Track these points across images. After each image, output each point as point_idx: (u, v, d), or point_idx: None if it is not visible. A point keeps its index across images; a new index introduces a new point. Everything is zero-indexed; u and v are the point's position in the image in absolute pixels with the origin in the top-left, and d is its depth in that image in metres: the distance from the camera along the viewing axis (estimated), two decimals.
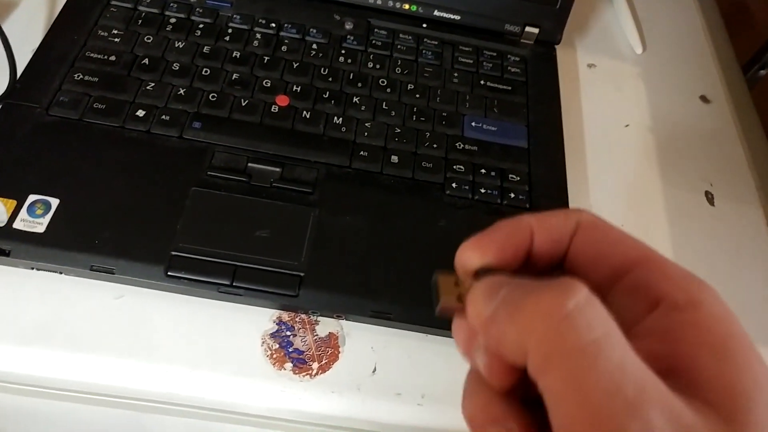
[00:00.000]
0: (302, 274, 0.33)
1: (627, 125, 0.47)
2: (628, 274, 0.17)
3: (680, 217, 0.43)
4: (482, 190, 0.38)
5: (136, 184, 0.34)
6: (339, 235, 0.35)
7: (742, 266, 0.42)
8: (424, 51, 0.44)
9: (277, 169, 0.37)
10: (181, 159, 0.36)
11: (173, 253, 0.32)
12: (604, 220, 0.19)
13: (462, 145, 0.40)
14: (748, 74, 0.77)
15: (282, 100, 0.40)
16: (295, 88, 0.40)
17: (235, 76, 0.40)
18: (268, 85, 0.40)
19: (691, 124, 0.49)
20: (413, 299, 0.33)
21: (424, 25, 0.46)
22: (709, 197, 0.45)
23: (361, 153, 0.38)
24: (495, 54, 0.45)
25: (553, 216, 0.19)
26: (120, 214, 0.33)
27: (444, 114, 0.41)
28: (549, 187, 0.39)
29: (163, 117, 0.37)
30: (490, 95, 0.43)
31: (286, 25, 0.43)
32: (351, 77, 0.42)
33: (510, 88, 0.43)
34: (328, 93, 0.40)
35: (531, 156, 0.40)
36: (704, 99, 0.51)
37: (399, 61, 0.43)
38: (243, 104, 0.39)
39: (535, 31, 0.46)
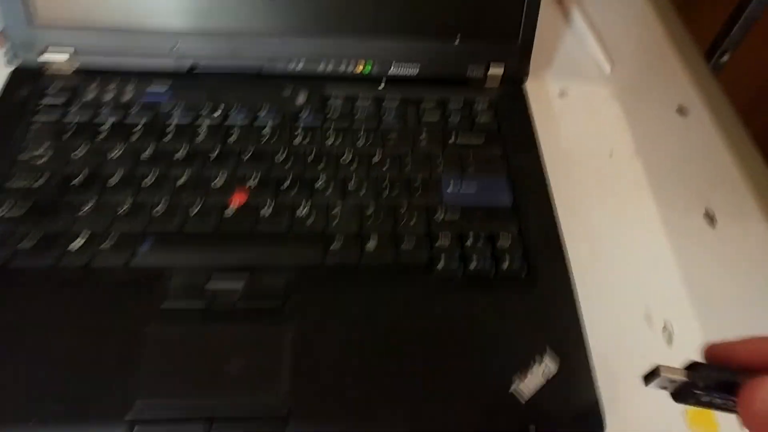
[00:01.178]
0: (286, 411, 0.28)
1: (611, 154, 0.45)
2: None
3: (684, 244, 0.40)
4: (473, 264, 0.34)
5: (79, 337, 0.30)
6: (321, 352, 0.30)
7: (754, 287, 0.39)
8: (385, 114, 0.41)
9: (240, 284, 0.32)
10: (130, 294, 0.32)
11: (131, 418, 0.28)
12: None
13: (443, 215, 0.36)
14: (711, 62, 0.76)
15: (238, 199, 0.36)
16: (250, 182, 0.37)
17: (182, 180, 0.36)
18: (221, 184, 0.36)
19: (674, 140, 0.47)
20: (418, 414, 0.29)
21: (382, 85, 0.42)
22: (710, 217, 0.42)
23: (334, 245, 0.34)
24: (462, 104, 0.42)
25: None
26: (61, 379, 0.28)
27: (418, 182, 0.37)
28: (543, 244, 0.36)
29: (105, 245, 0.33)
30: (463, 151, 0.39)
31: (232, 110, 0.40)
32: (311, 158, 0.38)
33: (483, 139, 0.40)
34: (288, 181, 0.37)
35: (519, 213, 0.37)
36: (681, 111, 0.48)
37: (361, 130, 0.40)
38: (195, 212, 0.35)
39: (500, 71, 0.43)
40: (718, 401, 0.21)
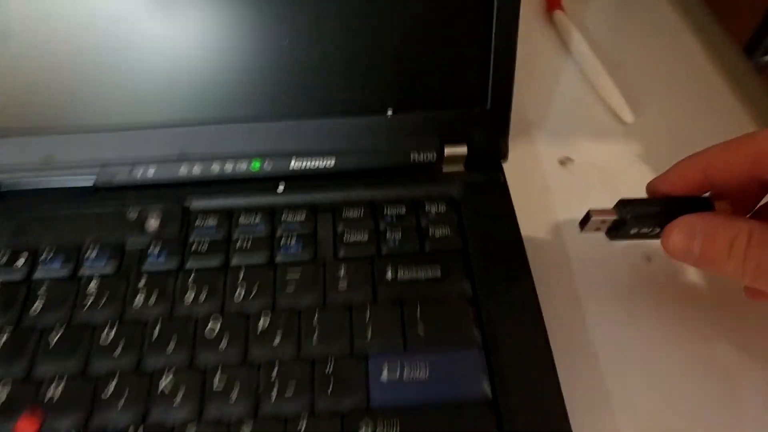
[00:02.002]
0: None
1: (649, 258, 0.29)
2: None
3: None
4: None
5: None
6: None
7: None
8: (284, 239, 0.26)
9: None
10: None
11: None
12: None
13: (371, 430, 0.22)
14: (753, 61, 0.60)
15: (26, 427, 0.22)
16: (53, 390, 0.22)
17: None
18: (2, 399, 0.22)
19: None
20: None
21: (280, 189, 0.28)
22: None
23: None
24: (404, 210, 0.27)
25: (726, 151, 0.22)
26: None
27: (329, 368, 0.22)
28: None
29: None
30: (408, 297, 0.24)
31: (45, 254, 0.25)
32: (156, 333, 0.23)
33: (439, 273, 0.25)
34: (114, 381, 0.22)
35: (503, 414, 0.22)
36: None
37: (241, 271, 0.25)
38: None
39: (462, 150, 0.28)
40: (646, 231, 0.23)
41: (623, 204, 0.23)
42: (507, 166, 0.29)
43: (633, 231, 0.23)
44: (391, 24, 0.25)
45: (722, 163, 0.22)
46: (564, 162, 0.33)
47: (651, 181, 0.24)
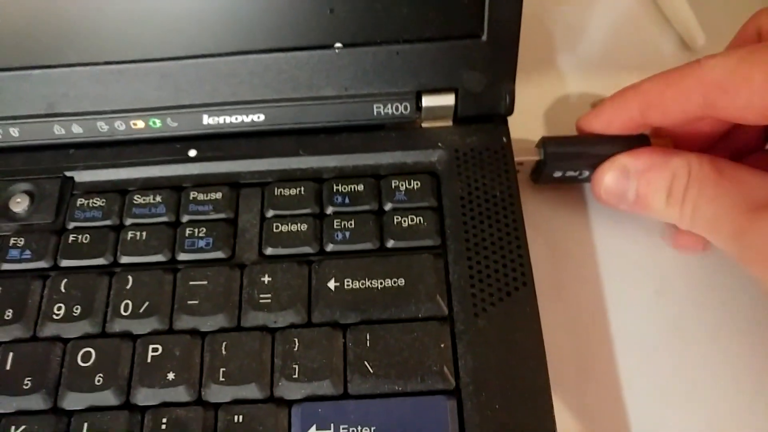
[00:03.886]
0: None
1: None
2: None
3: None
4: None
5: None
6: None
7: None
8: (190, 229, 0.19)
9: None
10: None
11: None
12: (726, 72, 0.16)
13: None
14: None
15: None
16: None
17: None
18: None
19: None
20: None
21: (192, 154, 0.20)
22: None
23: None
24: (361, 186, 0.19)
25: (668, 85, 0.18)
26: None
27: (237, 417, 0.16)
28: None
29: None
30: (354, 317, 0.17)
31: None
32: (9, 365, 0.17)
33: (402, 282, 0.17)
34: None
35: None
36: None
37: (130, 276, 0.18)
38: None
39: (448, 100, 0.19)
40: (573, 174, 0.20)
41: (546, 142, 0.20)
42: (517, 115, 0.21)
43: (557, 174, 0.20)
44: None
45: (664, 100, 0.18)
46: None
47: (580, 119, 0.20)
